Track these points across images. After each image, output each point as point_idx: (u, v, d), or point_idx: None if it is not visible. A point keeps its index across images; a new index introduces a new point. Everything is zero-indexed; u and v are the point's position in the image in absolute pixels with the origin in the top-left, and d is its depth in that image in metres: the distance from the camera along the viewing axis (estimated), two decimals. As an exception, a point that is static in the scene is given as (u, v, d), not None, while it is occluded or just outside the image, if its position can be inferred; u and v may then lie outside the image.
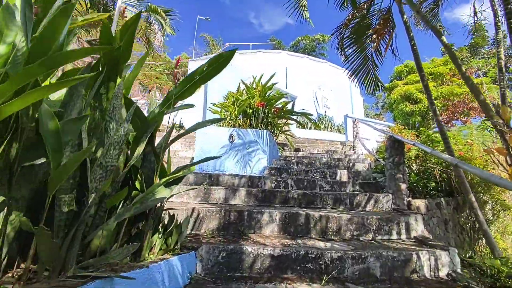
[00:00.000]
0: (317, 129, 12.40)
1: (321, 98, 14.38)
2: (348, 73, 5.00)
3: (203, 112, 9.28)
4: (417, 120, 15.01)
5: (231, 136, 4.36)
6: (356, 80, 4.97)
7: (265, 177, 3.69)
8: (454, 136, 4.58)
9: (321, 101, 13.98)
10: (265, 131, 4.55)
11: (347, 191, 3.66)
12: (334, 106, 14.73)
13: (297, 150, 6.89)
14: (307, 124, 12.40)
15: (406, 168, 3.17)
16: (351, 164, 5.39)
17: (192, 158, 2.47)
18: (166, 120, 5.22)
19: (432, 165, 3.82)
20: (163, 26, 9.02)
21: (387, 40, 4.34)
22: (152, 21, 9.12)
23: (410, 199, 3.09)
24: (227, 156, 4.33)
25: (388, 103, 17.99)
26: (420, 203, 3.04)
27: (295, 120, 5.11)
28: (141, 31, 9.10)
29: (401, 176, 3.05)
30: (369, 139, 9.04)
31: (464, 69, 2.92)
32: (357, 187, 3.98)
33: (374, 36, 4.18)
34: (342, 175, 4.31)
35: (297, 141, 8.39)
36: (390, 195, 3.06)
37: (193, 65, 16.10)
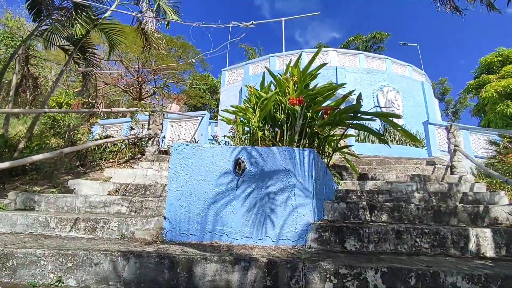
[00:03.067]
0: (380, 142, 9.65)
1: (385, 102, 11.54)
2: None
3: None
4: (527, 124, 11.11)
5: (237, 162, 2.28)
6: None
7: (307, 259, 1.53)
8: None
9: (385, 105, 11.16)
10: (305, 150, 2.37)
11: None
12: (404, 111, 11.72)
13: (363, 176, 4.50)
14: (368, 137, 9.73)
15: None
16: (480, 209, 2.84)
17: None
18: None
19: None
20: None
21: None
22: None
23: None
24: (231, 200, 2.25)
25: (476, 104, 14.13)
26: None
27: (368, 130, 2.80)
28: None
29: None
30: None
31: None
32: None
33: None
34: (482, 242, 1.94)
35: (359, 161, 5.92)
36: None
37: (227, 76, 14.74)
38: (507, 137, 6.32)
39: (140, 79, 19.82)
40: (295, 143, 2.85)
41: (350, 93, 2.91)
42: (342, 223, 2.38)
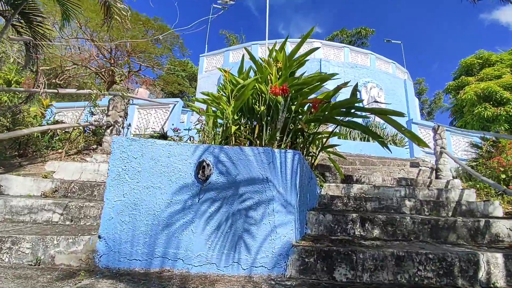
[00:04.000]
0: (359, 139, 9.46)
1: (368, 98, 11.36)
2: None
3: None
4: (502, 127, 11.39)
5: (201, 165, 1.76)
6: None
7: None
8: None
9: (368, 101, 10.97)
10: (288, 152, 1.88)
11: None
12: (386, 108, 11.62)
13: (347, 178, 4.13)
14: (350, 133, 9.49)
15: None
16: (480, 224, 2.53)
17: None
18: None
19: None
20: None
21: None
22: None
23: None
24: (191, 215, 1.73)
25: (454, 105, 14.40)
26: None
27: (368, 132, 2.34)
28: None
29: None
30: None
31: None
32: None
33: None
34: (493, 269, 1.58)
35: (342, 160, 5.57)
36: None
37: (206, 62, 13.96)
38: (490, 140, 6.23)
39: (112, 61, 18.45)
40: (276, 142, 2.36)
41: (345, 84, 2.46)
42: (330, 244, 1.94)
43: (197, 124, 2.63)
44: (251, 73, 3.17)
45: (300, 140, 3.00)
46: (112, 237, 1.69)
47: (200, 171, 1.75)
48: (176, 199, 1.74)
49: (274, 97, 2.53)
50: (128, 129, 6.84)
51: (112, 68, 18.01)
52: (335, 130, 2.92)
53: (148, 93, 9.06)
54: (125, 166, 1.76)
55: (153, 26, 19.72)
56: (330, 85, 4.70)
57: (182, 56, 27.86)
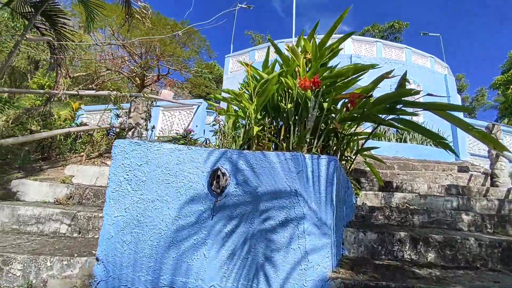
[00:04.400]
0: (395, 140, 8.72)
1: (404, 96, 10.52)
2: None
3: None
4: None
5: (215, 174, 1.45)
6: None
7: None
8: None
9: (404, 100, 10.13)
10: (323, 159, 1.52)
11: None
12: (424, 107, 10.68)
13: (386, 185, 3.64)
14: (384, 133, 8.79)
15: None
16: None
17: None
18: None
19: None
20: None
21: None
22: None
23: None
24: (203, 236, 1.43)
25: (503, 102, 12.97)
26: None
27: (424, 131, 1.89)
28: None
29: None
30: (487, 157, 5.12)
31: None
32: None
33: None
34: None
35: (378, 164, 5.04)
36: None
37: (231, 62, 13.82)
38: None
39: (142, 65, 19.01)
40: (305, 145, 2.01)
41: (389, 73, 2.04)
42: (375, 275, 1.54)
43: (214, 124, 2.34)
44: (277, 68, 2.84)
45: (333, 142, 2.60)
46: (111, 260, 1.43)
47: (214, 182, 1.44)
48: (185, 215, 1.45)
49: (303, 92, 2.18)
50: (152, 131, 6.77)
51: (143, 72, 18.56)
52: (375, 130, 2.49)
53: (172, 94, 9.03)
54: (128, 175, 1.50)
55: (180, 29, 20.04)
56: (362, 82, 4.22)
57: (209, 59, 28.25)
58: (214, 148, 1.53)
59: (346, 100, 2.33)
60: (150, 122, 5.70)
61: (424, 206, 3.14)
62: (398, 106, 2.05)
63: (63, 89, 3.53)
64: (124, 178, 1.50)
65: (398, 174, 4.55)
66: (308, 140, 2.10)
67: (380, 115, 2.19)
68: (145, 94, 4.64)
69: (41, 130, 4.16)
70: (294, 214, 1.43)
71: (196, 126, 6.58)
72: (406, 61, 11.74)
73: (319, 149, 2.16)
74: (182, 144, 3.70)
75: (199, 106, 6.91)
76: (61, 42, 3.73)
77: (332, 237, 1.48)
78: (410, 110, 2.11)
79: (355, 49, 11.73)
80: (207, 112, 7.70)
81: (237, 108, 2.83)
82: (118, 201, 1.48)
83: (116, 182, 1.49)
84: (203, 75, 27.10)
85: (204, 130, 6.98)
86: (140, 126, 4.53)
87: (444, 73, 12.47)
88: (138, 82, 18.88)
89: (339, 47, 2.56)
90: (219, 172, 1.45)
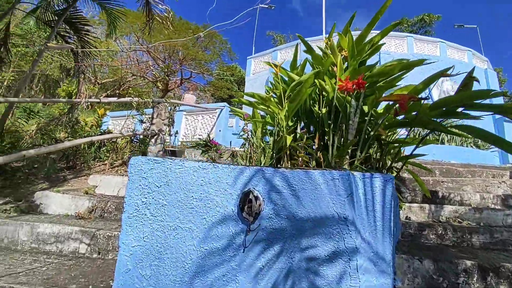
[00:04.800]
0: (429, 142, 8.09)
1: (439, 94, 9.80)
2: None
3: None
4: None
5: (246, 197, 1.22)
6: None
7: None
8: None
9: (440, 97, 9.47)
10: (376, 178, 1.24)
11: None
12: (462, 104, 9.90)
13: (431, 195, 3.25)
14: (419, 134, 8.19)
15: None
16: None
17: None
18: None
19: None
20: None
21: None
22: None
23: None
24: (232, 271, 1.20)
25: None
26: None
27: (492, 138, 1.56)
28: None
29: None
30: None
31: None
32: None
33: None
34: None
35: (418, 170, 4.60)
36: None
37: (253, 64, 13.66)
38: None
39: (166, 70, 19.40)
40: (347, 157, 1.73)
41: (447, 70, 1.73)
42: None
43: (243, 134, 2.12)
44: (307, 69, 2.57)
45: (374, 151, 2.29)
46: (128, 297, 1.24)
47: (246, 207, 1.21)
48: (212, 246, 1.23)
49: (342, 95, 1.90)
50: (175, 136, 6.70)
51: (165, 77, 18.94)
52: (426, 136, 2.15)
53: (195, 98, 8.99)
54: (146, 198, 1.31)
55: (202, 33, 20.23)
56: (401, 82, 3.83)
57: (230, 61, 28.43)
58: (244, 166, 1.30)
59: (391, 103, 2.02)
60: (173, 127, 5.62)
61: (481, 222, 2.73)
62: (460, 110, 1.72)
63: (86, 97, 3.49)
64: (142, 202, 1.31)
65: (442, 182, 4.09)
66: (346, 154, 1.81)
67: (438, 119, 1.87)
68: (167, 100, 4.54)
69: (69, 137, 4.17)
70: (344, 246, 1.16)
71: (220, 130, 6.43)
72: (440, 56, 10.97)
73: (362, 162, 1.87)
74: (203, 152, 3.52)
75: (222, 110, 6.77)
76: (84, 49, 3.70)
77: (391, 275, 1.20)
78: (473, 113, 1.78)
79: (384, 45, 11.13)
80: (230, 114, 7.55)
81: (263, 113, 2.60)
82: (136, 229, 1.29)
83: (133, 206, 1.31)
84: (225, 78, 27.29)
85: (224, 135, 6.83)
86: (163, 132, 4.43)
87: (483, 67, 11.53)
88: (162, 86, 19.29)
89: (380, 42, 2.25)
90: (251, 196, 1.22)
